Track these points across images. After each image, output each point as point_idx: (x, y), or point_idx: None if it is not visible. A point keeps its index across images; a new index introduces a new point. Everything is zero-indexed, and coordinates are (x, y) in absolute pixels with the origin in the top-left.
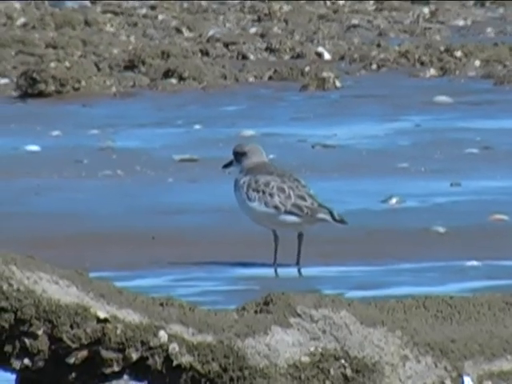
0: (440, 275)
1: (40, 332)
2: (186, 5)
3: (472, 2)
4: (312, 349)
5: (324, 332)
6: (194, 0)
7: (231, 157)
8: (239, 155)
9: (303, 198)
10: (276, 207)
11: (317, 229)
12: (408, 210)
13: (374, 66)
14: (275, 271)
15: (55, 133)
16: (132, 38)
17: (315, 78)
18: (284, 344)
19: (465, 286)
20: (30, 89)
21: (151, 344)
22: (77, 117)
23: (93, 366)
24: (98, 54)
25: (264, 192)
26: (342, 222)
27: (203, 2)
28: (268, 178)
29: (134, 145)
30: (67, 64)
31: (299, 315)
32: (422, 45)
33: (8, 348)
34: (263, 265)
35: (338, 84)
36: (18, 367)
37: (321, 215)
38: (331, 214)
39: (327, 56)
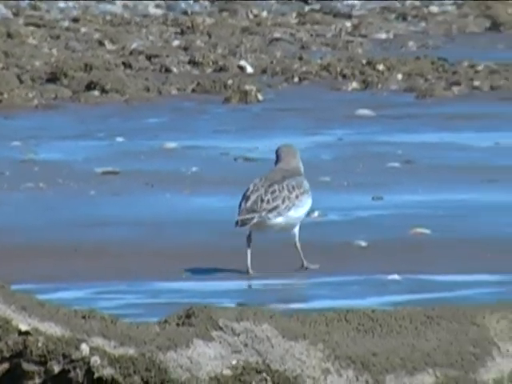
0: (362, 289)
1: None
2: (108, 17)
3: (394, 16)
4: (234, 362)
5: (246, 345)
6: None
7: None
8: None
9: (247, 199)
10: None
11: (239, 241)
12: (330, 223)
13: (296, 79)
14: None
15: None
16: (54, 51)
17: (238, 90)
18: (206, 357)
19: (386, 299)
20: None
21: (73, 357)
22: None
23: (14, 378)
24: (20, 67)
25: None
26: (236, 223)
27: (126, 15)
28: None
29: (57, 157)
30: None
31: (221, 328)
32: (344, 58)
33: None
34: (185, 278)
35: (260, 97)
36: None
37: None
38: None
39: (250, 69)
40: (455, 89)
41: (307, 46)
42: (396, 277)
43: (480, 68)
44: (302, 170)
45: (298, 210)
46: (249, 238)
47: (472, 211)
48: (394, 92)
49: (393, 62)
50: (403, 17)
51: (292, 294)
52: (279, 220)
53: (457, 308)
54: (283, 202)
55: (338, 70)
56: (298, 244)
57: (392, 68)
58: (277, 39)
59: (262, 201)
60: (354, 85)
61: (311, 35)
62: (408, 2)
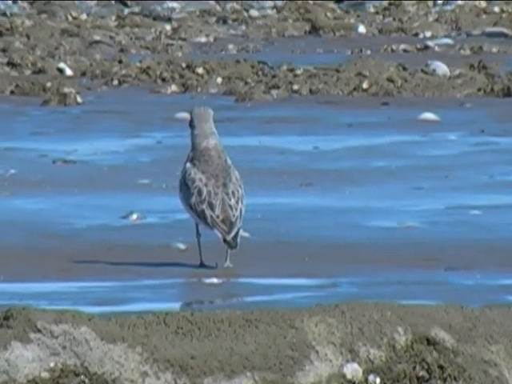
0: (181, 292)
1: None
2: None
3: (214, 19)
4: (52, 364)
5: (64, 348)
6: None
7: None
8: (189, 123)
9: (212, 207)
10: (190, 206)
11: (55, 243)
12: (149, 225)
13: (116, 82)
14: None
15: None
16: None
17: (57, 93)
18: (24, 359)
19: (205, 302)
20: None
21: None
22: None
23: None
24: None
25: (187, 188)
26: (229, 245)
27: None
28: (197, 176)
29: None
30: None
31: (39, 330)
32: (164, 61)
33: None
34: (2, 280)
35: (79, 99)
36: None
37: (215, 231)
38: (229, 231)
39: (69, 72)
40: (274, 92)
41: (127, 49)
42: (215, 280)
43: (299, 72)
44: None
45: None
46: (198, 234)
47: (290, 215)
48: (214, 95)
49: (212, 66)
50: (223, 20)
51: (110, 297)
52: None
53: (275, 311)
54: (242, 201)
55: (158, 73)
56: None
57: (212, 71)
58: (96, 42)
59: (231, 208)
60: (174, 88)
61: (131, 38)
62: (228, 6)
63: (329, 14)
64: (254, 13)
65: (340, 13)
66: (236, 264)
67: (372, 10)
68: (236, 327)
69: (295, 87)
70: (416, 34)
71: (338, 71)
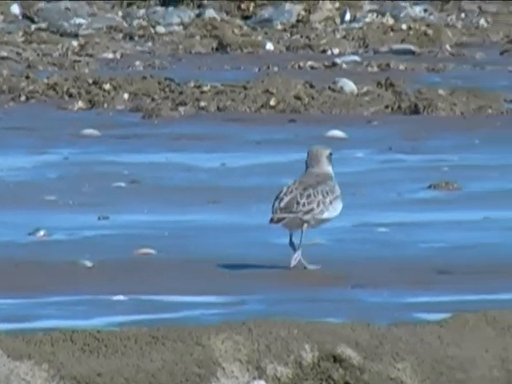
0: (87, 309)
1: None
2: None
3: (121, 36)
4: None
5: None
6: None
7: None
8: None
9: (280, 200)
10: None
11: None
12: (55, 242)
13: (23, 98)
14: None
15: None
16: None
17: None
18: None
19: (112, 320)
20: None
21: None
22: None
23: None
24: None
25: None
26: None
27: None
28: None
29: None
30: None
31: None
32: (71, 77)
33: None
34: None
35: None
36: None
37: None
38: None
39: None
40: (182, 109)
41: (34, 65)
42: (121, 297)
43: (206, 88)
44: (333, 173)
45: (330, 214)
46: (291, 242)
47: (197, 232)
48: (121, 112)
49: (119, 82)
50: (130, 36)
51: (17, 314)
52: (312, 218)
53: (182, 328)
54: (318, 205)
55: (65, 89)
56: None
57: (118, 87)
58: (3, 58)
59: (298, 203)
60: (80, 104)
61: (38, 54)
62: (135, 22)
63: (236, 31)
64: (160, 29)
65: (247, 30)
66: (142, 281)
67: (279, 27)
68: (142, 344)
69: (202, 104)
70: (323, 51)
71: (245, 88)
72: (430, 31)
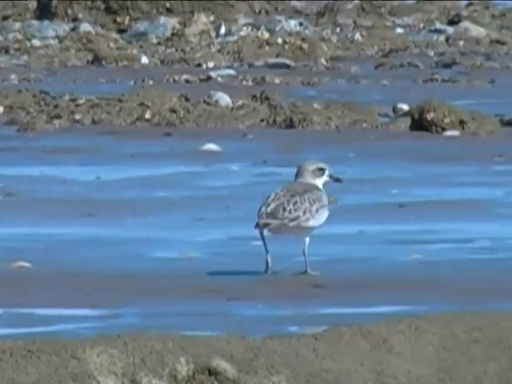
0: None
1: None
2: None
3: None
4: None
5: None
6: None
7: None
8: None
9: (267, 205)
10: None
11: None
12: None
13: None
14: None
15: None
16: None
17: None
18: None
19: None
20: None
21: None
22: None
23: None
24: None
25: None
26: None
27: None
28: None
29: None
30: None
31: None
32: None
33: None
34: None
35: None
36: None
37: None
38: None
39: None
40: (56, 122)
41: None
42: None
43: (81, 101)
44: (320, 185)
45: (316, 222)
46: (264, 243)
47: (72, 245)
48: None
49: None
50: (5, 50)
51: None
52: (297, 226)
53: (57, 342)
54: (304, 213)
55: None
56: (307, 251)
57: None
58: None
59: (284, 209)
60: None
61: None
62: (10, 36)
63: (111, 45)
64: (36, 42)
65: (123, 43)
66: (18, 294)
67: (154, 40)
68: (17, 358)
69: (77, 117)
70: (199, 65)
71: (120, 101)
72: (305, 45)
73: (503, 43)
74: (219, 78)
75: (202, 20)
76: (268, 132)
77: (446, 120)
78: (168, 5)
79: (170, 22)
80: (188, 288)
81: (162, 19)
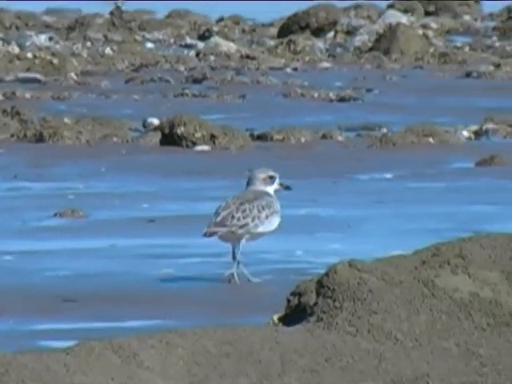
0: None
1: None
2: None
3: None
4: None
5: None
6: None
7: None
8: None
9: (217, 215)
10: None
11: None
12: None
13: None
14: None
15: None
16: None
17: None
18: None
19: None
20: None
21: None
22: None
23: None
24: None
25: None
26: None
27: None
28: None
29: None
30: None
31: None
32: None
33: None
34: None
35: None
36: None
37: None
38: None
39: None
40: None
41: None
42: None
43: None
44: (271, 192)
45: (266, 228)
46: (233, 254)
47: None
48: None
49: None
50: None
51: None
52: (246, 232)
53: None
54: (253, 220)
55: None
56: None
57: None
58: None
59: (233, 217)
60: None
61: None
62: None
63: None
64: None
65: None
66: None
67: None
68: None
69: None
70: None
71: None
72: (55, 60)
73: (253, 58)
74: None
75: None
76: (18, 146)
77: (197, 134)
78: None
79: None
80: None
81: None
